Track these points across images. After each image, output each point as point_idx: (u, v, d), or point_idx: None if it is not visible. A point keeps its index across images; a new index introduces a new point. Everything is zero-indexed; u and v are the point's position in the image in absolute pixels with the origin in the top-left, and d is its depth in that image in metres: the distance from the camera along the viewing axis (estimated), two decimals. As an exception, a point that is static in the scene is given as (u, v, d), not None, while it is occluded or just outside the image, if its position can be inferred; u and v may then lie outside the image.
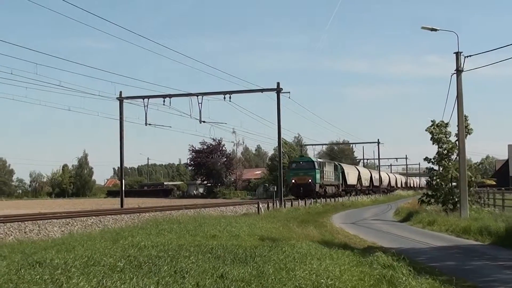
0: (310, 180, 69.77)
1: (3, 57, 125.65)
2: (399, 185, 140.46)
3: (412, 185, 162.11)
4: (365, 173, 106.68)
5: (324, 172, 75.71)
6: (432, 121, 41.32)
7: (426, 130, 41.36)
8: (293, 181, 71.44)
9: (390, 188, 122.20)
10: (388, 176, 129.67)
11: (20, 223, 23.06)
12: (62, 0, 27.16)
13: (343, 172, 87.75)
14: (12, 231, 21.59)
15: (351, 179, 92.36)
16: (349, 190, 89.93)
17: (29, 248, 15.48)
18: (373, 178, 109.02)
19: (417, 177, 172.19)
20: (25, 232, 21.98)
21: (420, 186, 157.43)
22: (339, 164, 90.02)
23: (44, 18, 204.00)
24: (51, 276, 11.28)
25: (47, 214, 30.64)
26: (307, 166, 72.21)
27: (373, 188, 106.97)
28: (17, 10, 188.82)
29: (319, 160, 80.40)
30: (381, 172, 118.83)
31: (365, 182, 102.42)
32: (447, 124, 40.31)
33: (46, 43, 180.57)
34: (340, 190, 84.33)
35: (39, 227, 23.02)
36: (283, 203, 48.02)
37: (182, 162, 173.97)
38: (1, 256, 14.10)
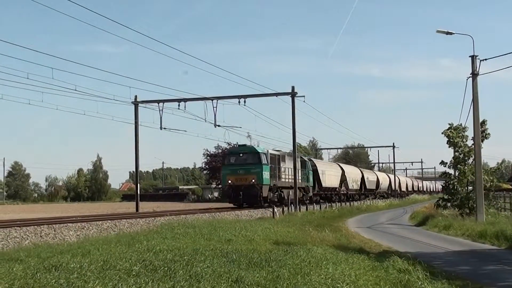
0: (253, 180, 46.50)
1: (20, 62, 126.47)
2: (415, 189, 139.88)
3: (427, 189, 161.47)
4: (355, 173, 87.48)
5: (280, 169, 51.75)
6: (449, 124, 41.23)
7: (442, 133, 41.27)
8: (228, 181, 47.94)
9: (394, 192, 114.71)
10: (389, 177, 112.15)
11: (36, 227, 23.11)
12: (78, 6, 27.17)
13: (316, 171, 66.04)
14: (28, 235, 21.65)
15: (330, 180, 71.98)
16: (328, 195, 70.91)
17: (45, 252, 15.51)
18: (365, 179, 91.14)
19: (432, 181, 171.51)
20: (41, 236, 22.04)
21: (436, 190, 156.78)
22: (310, 159, 67.73)
23: (60, 24, 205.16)
24: (67, 280, 11.30)
25: (63, 218, 30.74)
26: (250, 159, 47.94)
27: (365, 192, 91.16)
28: (33, 16, 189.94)
29: (272, 151, 51.37)
30: (379, 174, 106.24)
31: (354, 185, 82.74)
32: (464, 127, 40.19)
33: (62, 48, 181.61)
34: (311, 194, 61.06)
35: (54, 231, 23.07)
36: (298, 207, 47.88)
37: (196, 166, 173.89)
38: (18, 260, 14.14)
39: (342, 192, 76.86)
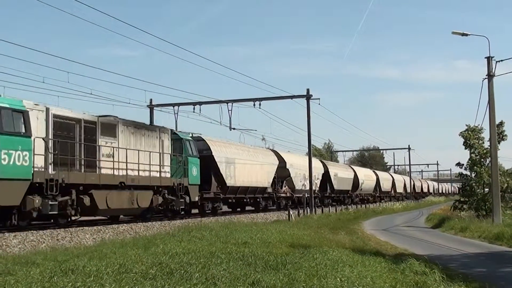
0: None
1: (36, 66, 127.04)
2: (431, 191, 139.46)
3: (443, 191, 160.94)
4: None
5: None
6: (466, 125, 41.19)
7: (459, 135, 41.22)
8: None
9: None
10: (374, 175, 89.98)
11: (52, 230, 23.18)
12: (94, 10, 27.09)
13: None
14: (44, 239, 21.70)
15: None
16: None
17: (62, 255, 15.57)
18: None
19: (448, 183, 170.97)
20: (57, 240, 22.09)
21: (452, 192, 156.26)
22: (206, 142, 39.62)
23: (76, 28, 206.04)
24: (83, 284, 11.34)
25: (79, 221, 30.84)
26: None
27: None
28: (49, 20, 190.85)
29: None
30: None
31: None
32: (480, 129, 40.11)
33: (78, 52, 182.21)
34: (210, 195, 38.16)
35: (71, 234, 23.12)
36: (314, 209, 47.88)
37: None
38: (35, 263, 14.20)
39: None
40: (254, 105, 47.70)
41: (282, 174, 50.72)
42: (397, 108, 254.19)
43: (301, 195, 52.42)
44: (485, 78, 34.40)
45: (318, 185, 58.43)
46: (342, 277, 12.86)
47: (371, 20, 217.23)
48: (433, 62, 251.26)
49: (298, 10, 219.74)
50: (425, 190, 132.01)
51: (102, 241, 22.02)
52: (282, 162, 50.74)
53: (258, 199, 45.63)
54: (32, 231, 22.43)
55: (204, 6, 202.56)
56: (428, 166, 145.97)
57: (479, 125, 40.27)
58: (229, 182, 40.31)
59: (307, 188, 53.87)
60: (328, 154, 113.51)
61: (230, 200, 41.94)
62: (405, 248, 25.48)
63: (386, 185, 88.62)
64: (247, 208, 46.29)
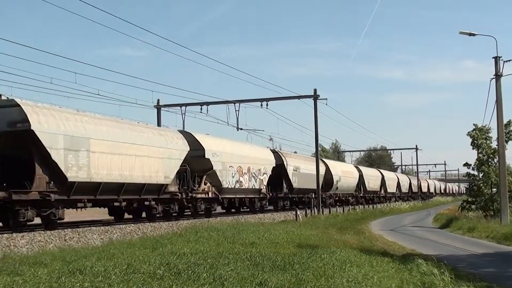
0: None
1: (44, 67, 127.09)
2: (438, 191, 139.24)
3: (451, 191, 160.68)
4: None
5: None
6: (474, 125, 41.13)
7: (467, 134, 41.20)
8: None
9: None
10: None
11: (60, 230, 23.22)
12: (100, 10, 27.13)
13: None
14: (52, 239, 21.75)
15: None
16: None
17: (70, 256, 15.62)
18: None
19: (456, 183, 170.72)
20: (65, 240, 22.14)
21: (459, 192, 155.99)
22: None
23: (83, 28, 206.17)
24: (91, 284, 11.38)
25: (87, 222, 30.90)
26: None
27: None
28: (56, 21, 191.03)
29: None
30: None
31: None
32: (488, 129, 40.06)
33: (85, 53, 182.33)
34: None
35: (78, 234, 23.17)
36: (321, 209, 47.85)
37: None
38: (43, 263, 14.25)
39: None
40: (261, 105, 47.67)
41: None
42: (404, 108, 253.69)
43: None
44: (493, 78, 34.36)
45: (265, 183, 44.24)
46: (349, 277, 12.86)
47: (377, 20, 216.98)
48: (440, 62, 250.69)
49: (304, 11, 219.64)
50: (432, 190, 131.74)
51: (109, 242, 22.08)
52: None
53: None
54: (40, 231, 22.50)
55: (210, 6, 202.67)
56: (435, 166, 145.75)
57: (486, 125, 40.25)
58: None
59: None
60: (335, 154, 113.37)
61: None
62: (413, 248, 25.43)
63: (372, 184, 77.27)
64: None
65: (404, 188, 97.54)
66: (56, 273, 12.55)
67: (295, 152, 55.77)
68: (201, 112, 47.36)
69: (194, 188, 34.52)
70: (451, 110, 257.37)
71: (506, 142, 36.55)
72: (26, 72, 45.85)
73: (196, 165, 34.80)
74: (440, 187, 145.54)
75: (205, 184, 35.98)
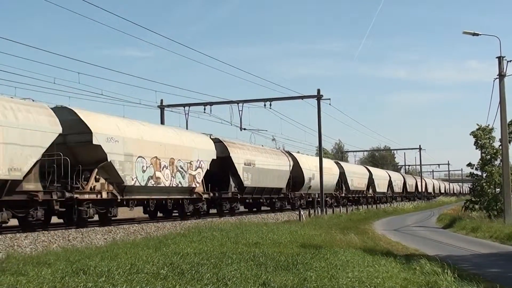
0: None
1: (47, 67, 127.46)
2: (442, 191, 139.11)
3: (454, 191, 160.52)
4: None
5: None
6: (477, 124, 41.15)
7: (470, 134, 41.18)
8: None
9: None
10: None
11: (63, 230, 23.25)
12: (104, 11, 27.06)
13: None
14: (56, 239, 21.78)
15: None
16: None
17: (74, 256, 15.62)
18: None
19: (459, 183, 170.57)
20: (68, 240, 22.17)
21: (463, 192, 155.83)
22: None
23: (86, 29, 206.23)
24: (95, 284, 11.40)
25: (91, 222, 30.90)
26: None
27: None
28: (59, 21, 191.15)
29: None
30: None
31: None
32: (491, 129, 40.03)
33: (88, 53, 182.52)
34: None
35: (82, 234, 23.19)
36: (324, 210, 47.84)
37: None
38: (46, 263, 14.26)
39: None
40: (264, 105, 47.69)
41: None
42: (407, 108, 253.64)
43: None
44: (496, 78, 34.33)
45: (199, 179, 34.52)
46: (352, 277, 12.86)
47: (380, 20, 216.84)
48: (443, 62, 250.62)
49: (308, 11, 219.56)
50: (436, 190, 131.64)
51: (113, 242, 22.09)
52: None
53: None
54: (43, 231, 22.52)
55: (213, 6, 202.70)
56: (439, 166, 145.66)
57: (489, 124, 40.22)
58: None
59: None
60: (338, 154, 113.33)
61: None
62: (416, 248, 25.40)
63: (357, 183, 70.19)
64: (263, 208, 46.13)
65: (398, 188, 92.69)
66: (60, 273, 12.57)
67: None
68: (204, 112, 47.37)
69: (75, 186, 25.03)
70: (455, 110, 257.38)
71: (510, 142, 36.53)
72: (30, 72, 45.90)
73: (82, 155, 26.61)
74: (443, 187, 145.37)
75: (96, 180, 26.66)
